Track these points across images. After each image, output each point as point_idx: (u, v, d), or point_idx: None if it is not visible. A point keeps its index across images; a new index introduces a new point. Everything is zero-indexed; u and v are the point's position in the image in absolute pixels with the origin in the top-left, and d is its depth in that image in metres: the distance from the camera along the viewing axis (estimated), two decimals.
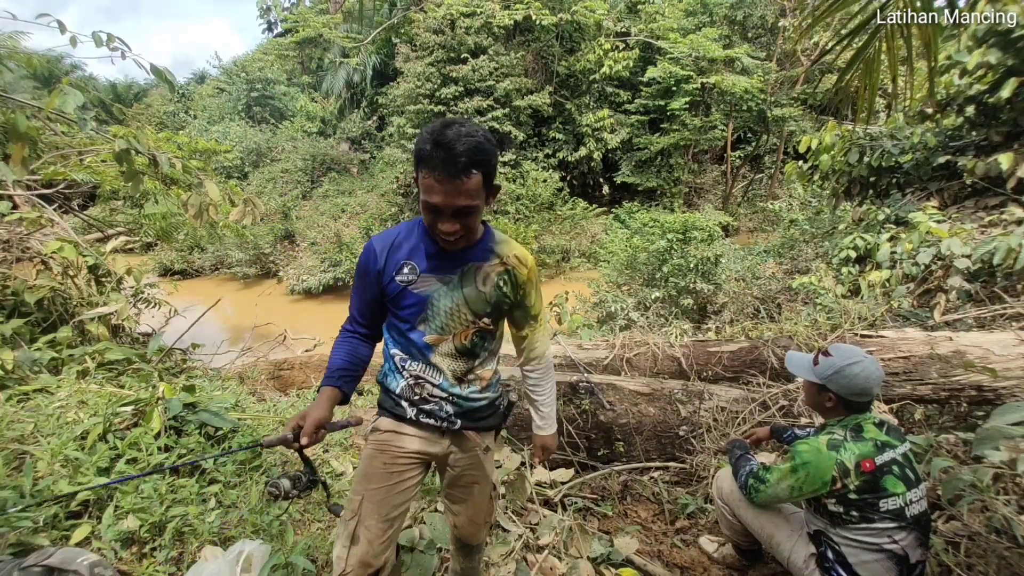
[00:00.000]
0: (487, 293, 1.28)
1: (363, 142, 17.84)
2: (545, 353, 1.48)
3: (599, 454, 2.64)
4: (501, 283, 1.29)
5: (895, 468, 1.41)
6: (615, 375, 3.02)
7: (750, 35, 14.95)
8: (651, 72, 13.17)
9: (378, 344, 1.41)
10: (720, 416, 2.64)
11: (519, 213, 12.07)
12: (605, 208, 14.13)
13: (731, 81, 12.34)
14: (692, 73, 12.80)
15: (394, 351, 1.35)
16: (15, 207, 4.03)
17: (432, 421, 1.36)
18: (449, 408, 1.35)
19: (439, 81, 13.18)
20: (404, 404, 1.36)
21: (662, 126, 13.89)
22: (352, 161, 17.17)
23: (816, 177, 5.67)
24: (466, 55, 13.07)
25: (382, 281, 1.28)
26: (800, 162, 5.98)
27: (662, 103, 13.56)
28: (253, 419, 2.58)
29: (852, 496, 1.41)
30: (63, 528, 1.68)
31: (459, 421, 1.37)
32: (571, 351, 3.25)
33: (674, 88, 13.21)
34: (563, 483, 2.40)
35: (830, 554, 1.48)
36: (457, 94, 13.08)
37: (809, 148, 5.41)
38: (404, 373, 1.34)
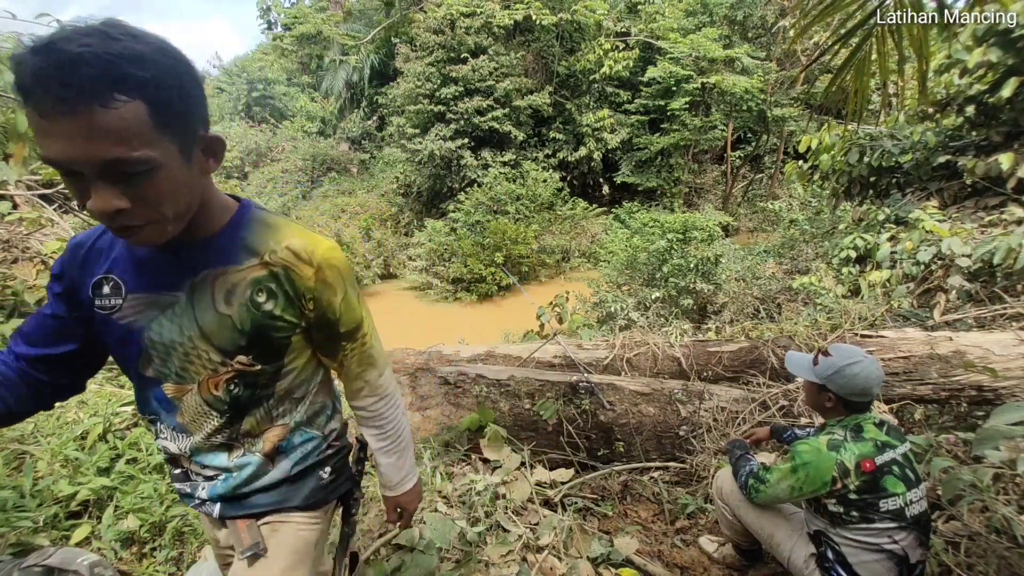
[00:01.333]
0: (235, 316, 0.80)
1: (363, 142, 17.86)
2: (379, 383, 1.00)
3: (599, 454, 2.64)
4: (260, 297, 0.81)
5: (895, 468, 1.41)
6: (615, 375, 3.02)
7: (750, 35, 14.96)
8: (651, 72, 13.17)
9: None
10: (720, 416, 2.64)
11: (519, 213, 12.08)
12: (605, 208, 14.14)
13: (731, 81, 12.35)
14: (692, 73, 12.80)
15: (139, 409, 0.94)
16: (15, 207, 4.03)
17: (192, 504, 0.97)
18: (203, 491, 0.93)
19: (439, 81, 13.19)
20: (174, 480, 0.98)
21: (662, 126, 13.89)
22: (352, 161, 17.19)
23: (816, 177, 5.67)
24: (466, 55, 13.07)
25: (81, 304, 0.84)
26: (800, 162, 5.98)
27: (662, 103, 13.57)
28: None
29: (852, 496, 1.41)
30: (63, 528, 1.68)
31: (217, 505, 0.93)
32: (571, 351, 3.25)
33: (674, 88, 13.21)
34: (563, 483, 2.40)
35: (830, 554, 1.48)
36: (457, 94, 13.09)
37: (809, 148, 5.41)
38: (159, 440, 0.94)
